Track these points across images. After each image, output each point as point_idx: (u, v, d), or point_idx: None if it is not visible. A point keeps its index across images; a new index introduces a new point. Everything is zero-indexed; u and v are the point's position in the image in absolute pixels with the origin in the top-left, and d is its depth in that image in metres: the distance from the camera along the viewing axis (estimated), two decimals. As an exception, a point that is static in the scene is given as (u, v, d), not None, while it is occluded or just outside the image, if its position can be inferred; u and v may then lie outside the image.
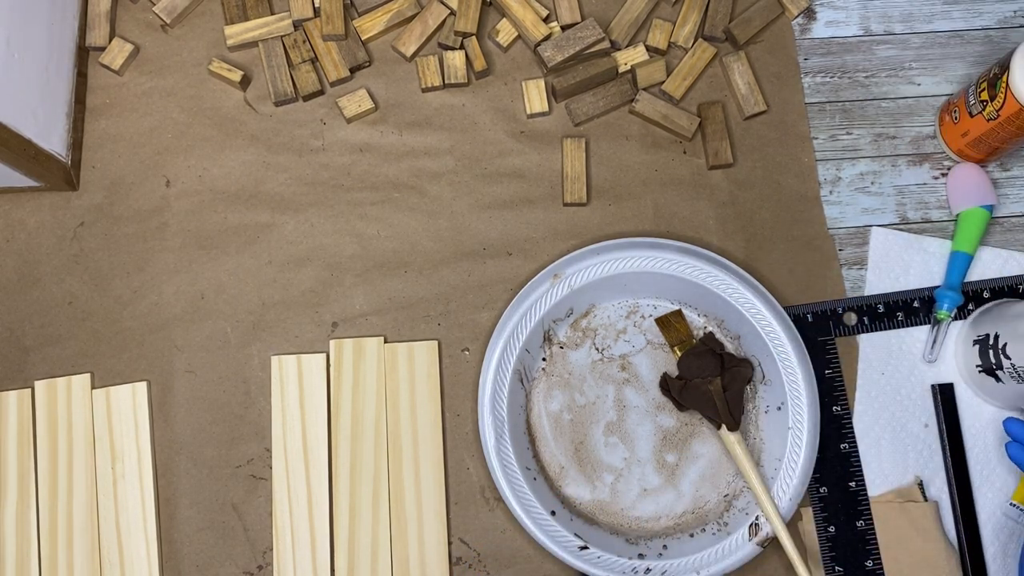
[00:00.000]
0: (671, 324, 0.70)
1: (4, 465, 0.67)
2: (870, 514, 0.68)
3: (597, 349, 0.70)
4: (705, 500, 0.68)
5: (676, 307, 0.70)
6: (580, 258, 0.69)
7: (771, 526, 0.64)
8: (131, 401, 0.69)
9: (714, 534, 0.66)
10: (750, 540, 0.64)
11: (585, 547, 0.64)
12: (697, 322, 0.71)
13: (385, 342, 0.70)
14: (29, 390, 0.69)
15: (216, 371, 0.70)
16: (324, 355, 0.70)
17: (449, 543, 0.67)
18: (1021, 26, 0.79)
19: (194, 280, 0.72)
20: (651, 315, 0.71)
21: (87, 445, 0.68)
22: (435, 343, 0.70)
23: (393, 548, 0.67)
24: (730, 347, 0.70)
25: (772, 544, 0.65)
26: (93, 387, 0.69)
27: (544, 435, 0.69)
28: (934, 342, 0.71)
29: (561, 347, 0.70)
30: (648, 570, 0.64)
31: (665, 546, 0.66)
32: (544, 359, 0.70)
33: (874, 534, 0.67)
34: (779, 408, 0.67)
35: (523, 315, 0.68)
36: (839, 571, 0.67)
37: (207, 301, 0.71)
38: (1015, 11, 0.80)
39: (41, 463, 0.68)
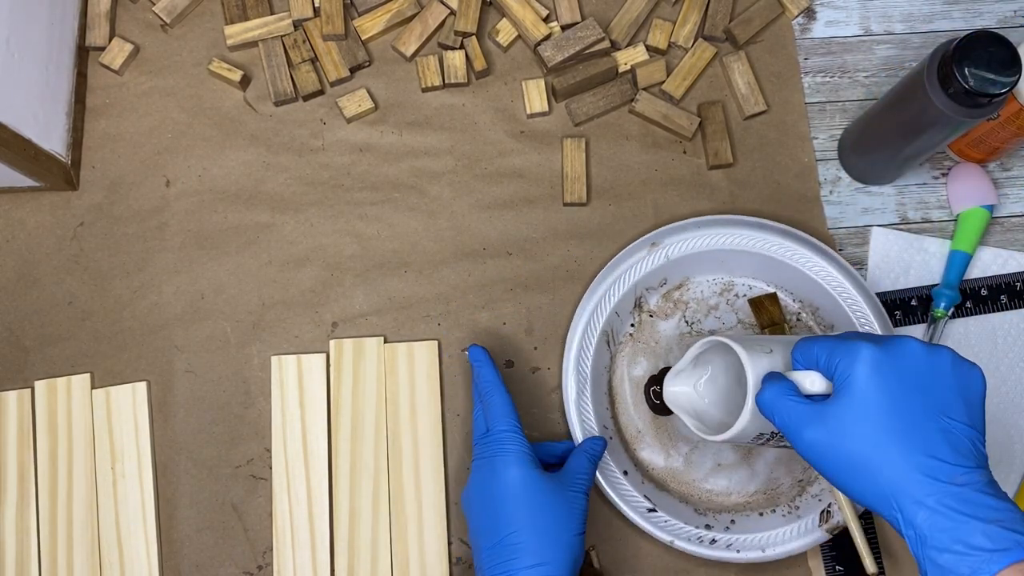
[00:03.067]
0: (764, 306, 0.69)
1: (4, 465, 0.67)
2: (871, 513, 0.68)
3: (687, 322, 0.71)
4: (779, 482, 0.68)
5: (771, 289, 0.70)
6: (680, 229, 0.69)
7: (842, 515, 0.63)
8: (131, 401, 0.69)
9: (783, 516, 0.66)
10: (820, 526, 0.64)
11: (653, 510, 0.65)
12: (792, 307, 0.71)
13: (385, 342, 0.70)
14: (29, 390, 0.69)
15: (216, 371, 0.70)
16: (324, 355, 0.70)
17: (449, 543, 0.67)
18: (1021, 26, 0.79)
19: (194, 280, 0.72)
20: (745, 295, 0.71)
21: (87, 445, 0.68)
22: (435, 343, 0.70)
23: (393, 548, 0.67)
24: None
25: (842, 534, 0.65)
26: (93, 387, 0.69)
27: (624, 398, 0.70)
28: (930, 340, 0.71)
29: (651, 315, 0.71)
30: (714, 540, 0.64)
31: (733, 521, 0.66)
32: (632, 325, 0.71)
33: (875, 534, 0.67)
34: None
35: (617, 278, 0.68)
36: (839, 571, 0.67)
37: (207, 301, 0.71)
38: (1015, 11, 0.79)
39: (41, 463, 0.68)
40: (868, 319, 0.67)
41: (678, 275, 0.71)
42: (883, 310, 0.68)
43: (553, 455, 0.65)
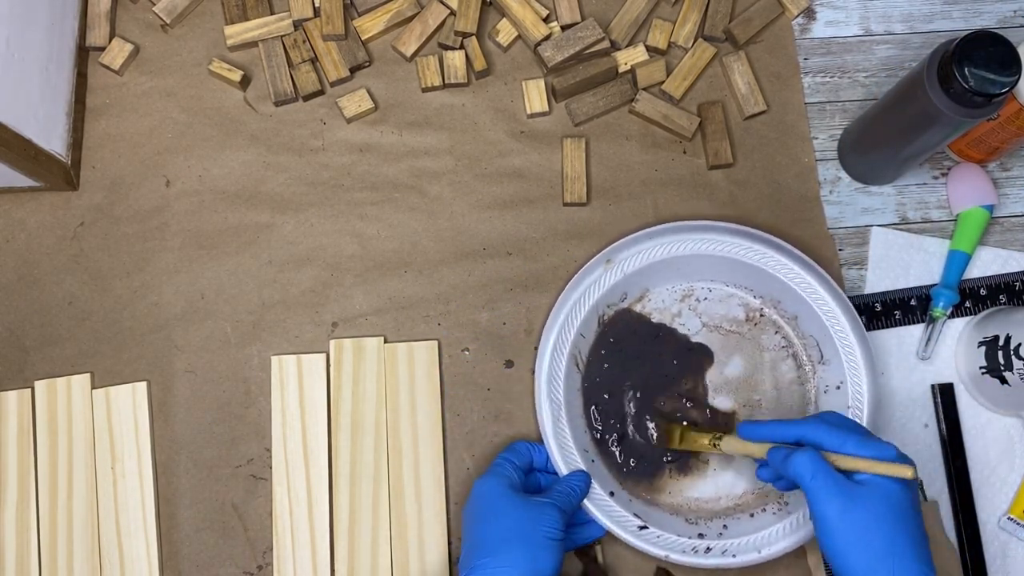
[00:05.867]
0: (682, 436, 0.68)
1: (4, 465, 0.67)
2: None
3: None
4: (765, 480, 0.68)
5: (731, 291, 0.71)
6: (632, 243, 0.69)
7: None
8: (131, 401, 0.69)
9: (775, 513, 0.66)
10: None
11: (644, 527, 0.64)
12: (753, 304, 0.71)
13: (385, 342, 0.70)
14: (29, 390, 0.69)
15: (216, 371, 0.70)
16: (324, 355, 0.70)
17: (449, 543, 0.67)
18: (1021, 26, 0.79)
19: (194, 280, 0.72)
20: (706, 298, 0.71)
21: (87, 445, 0.68)
22: (435, 343, 0.70)
23: (393, 548, 0.67)
24: (788, 328, 0.70)
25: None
26: (93, 387, 0.69)
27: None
28: (928, 339, 0.71)
29: None
30: (708, 549, 0.64)
31: (725, 526, 0.66)
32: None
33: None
34: (838, 387, 0.67)
35: (577, 301, 0.68)
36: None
37: (207, 301, 0.71)
38: (1015, 11, 0.80)
39: (41, 463, 0.68)
40: (830, 306, 0.67)
41: (637, 288, 0.71)
42: (843, 295, 0.67)
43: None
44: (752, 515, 0.66)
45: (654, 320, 0.71)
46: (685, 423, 0.69)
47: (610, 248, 0.69)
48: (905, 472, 0.52)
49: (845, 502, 0.53)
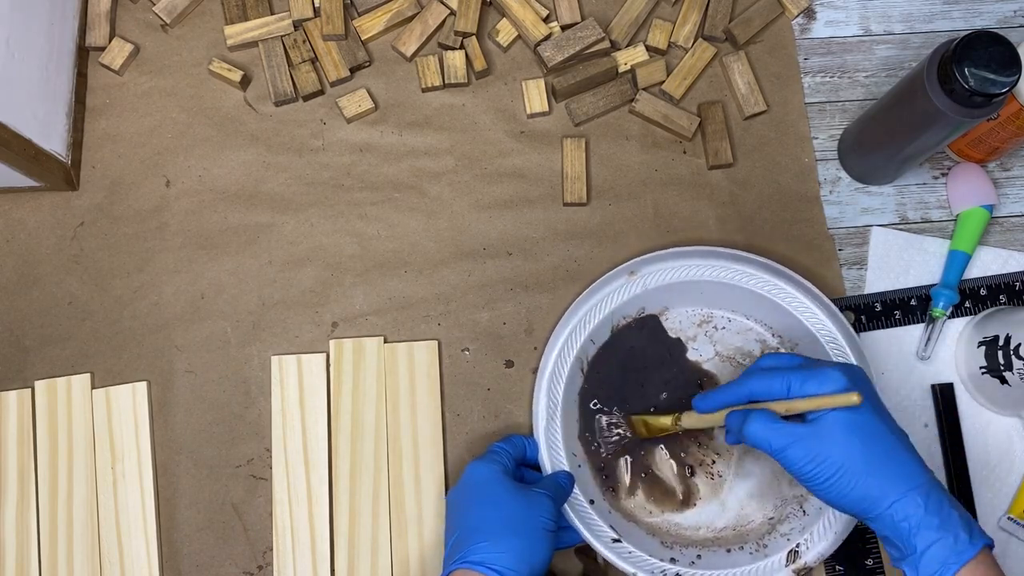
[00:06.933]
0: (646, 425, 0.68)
1: (4, 465, 0.67)
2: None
3: None
4: (749, 519, 0.67)
5: (751, 324, 0.70)
6: (659, 259, 0.69)
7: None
8: (131, 401, 0.69)
9: (751, 554, 0.65)
10: (786, 566, 0.63)
11: (618, 540, 0.64)
12: (771, 341, 0.70)
13: (385, 342, 0.70)
14: (29, 390, 0.69)
15: (216, 371, 0.70)
16: (324, 355, 0.70)
17: (449, 543, 0.67)
18: (1021, 26, 0.79)
19: (194, 280, 0.72)
20: (724, 327, 0.70)
21: (87, 445, 0.68)
22: (435, 343, 0.70)
23: (393, 548, 0.67)
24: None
25: None
26: (93, 387, 0.69)
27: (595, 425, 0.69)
28: (928, 339, 0.71)
29: None
30: (678, 575, 0.63)
31: (699, 556, 0.66)
32: None
33: (874, 533, 0.67)
34: None
35: (593, 306, 0.68)
36: (839, 570, 0.67)
37: (207, 301, 0.71)
38: (1015, 11, 0.80)
39: (41, 463, 0.68)
40: (849, 360, 0.65)
41: (656, 304, 0.70)
42: (864, 352, 0.66)
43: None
44: (728, 551, 0.66)
45: (671, 337, 0.71)
46: (650, 411, 0.68)
47: (636, 260, 0.69)
48: (851, 400, 0.53)
49: (810, 447, 0.54)
